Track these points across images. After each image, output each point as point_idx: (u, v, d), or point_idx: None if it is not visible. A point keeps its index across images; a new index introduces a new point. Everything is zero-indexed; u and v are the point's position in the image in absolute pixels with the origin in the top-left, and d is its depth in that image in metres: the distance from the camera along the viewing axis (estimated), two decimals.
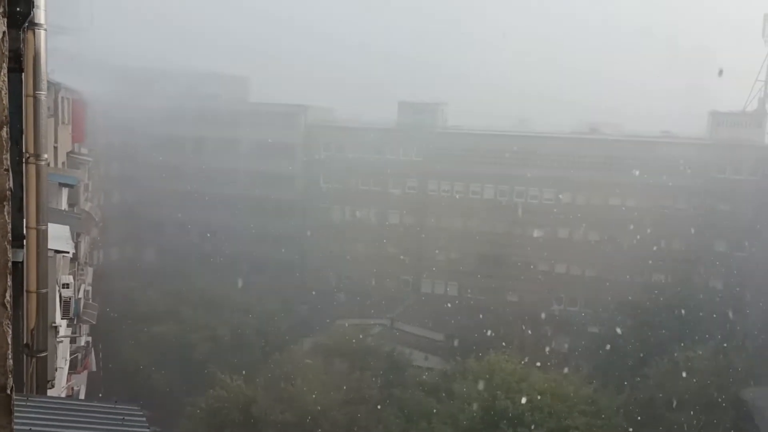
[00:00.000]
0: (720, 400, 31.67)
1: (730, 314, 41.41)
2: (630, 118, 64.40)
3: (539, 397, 28.97)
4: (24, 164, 11.54)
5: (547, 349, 43.32)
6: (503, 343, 38.76)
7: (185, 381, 41.07)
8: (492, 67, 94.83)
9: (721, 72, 46.61)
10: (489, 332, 44.49)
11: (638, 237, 50.23)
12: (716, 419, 30.76)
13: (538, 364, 33.88)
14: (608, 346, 41.84)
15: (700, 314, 40.08)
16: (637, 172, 49.84)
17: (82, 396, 29.29)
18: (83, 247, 32.89)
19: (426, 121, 59.93)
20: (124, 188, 61.82)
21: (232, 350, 43.95)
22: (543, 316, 46.53)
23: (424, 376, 39.48)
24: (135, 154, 59.84)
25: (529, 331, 45.11)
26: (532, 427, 27.60)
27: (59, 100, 31.29)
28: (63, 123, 32.50)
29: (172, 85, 61.03)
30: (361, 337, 43.48)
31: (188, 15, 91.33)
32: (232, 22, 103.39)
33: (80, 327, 32.25)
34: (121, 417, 10.13)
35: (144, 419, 10.48)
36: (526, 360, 33.27)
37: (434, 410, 32.06)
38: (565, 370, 36.02)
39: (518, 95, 76.45)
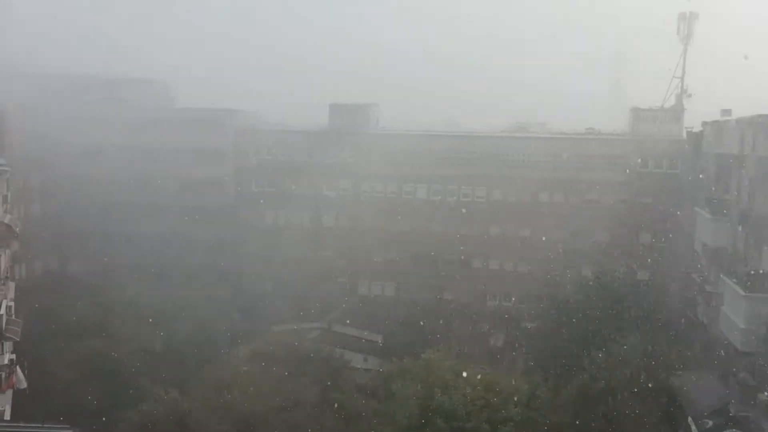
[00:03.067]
0: (651, 387, 32.70)
1: (656, 304, 42.93)
2: (555, 118, 66.40)
3: (472, 392, 29.29)
4: None
5: (484, 344, 44.01)
6: (440, 341, 39.13)
7: (116, 397, 39.71)
8: (421, 74, 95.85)
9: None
10: (427, 330, 44.85)
11: (568, 231, 51.61)
12: (648, 406, 31.73)
13: (474, 359, 34.34)
14: (543, 340, 42.76)
15: (629, 305, 41.33)
16: (563, 169, 51.24)
17: (7, 416, 28.02)
18: (3, 261, 31.51)
19: (357, 122, 59.92)
20: (46, 199, 59.39)
21: (165, 362, 42.81)
22: (478, 312, 47.21)
23: (362, 378, 39.45)
24: (56, 164, 57.55)
25: (466, 328, 45.69)
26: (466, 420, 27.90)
27: None
28: None
29: (92, 91, 59.15)
30: (298, 342, 43.11)
31: (98, 20, 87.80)
32: (140, 26, 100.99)
33: (3, 344, 30.86)
34: None
35: None
36: (463, 356, 33.65)
37: (373, 411, 32.09)
38: (501, 365, 36.62)
39: (447, 98, 77.67)
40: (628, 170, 52.64)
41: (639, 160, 53.47)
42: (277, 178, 59.86)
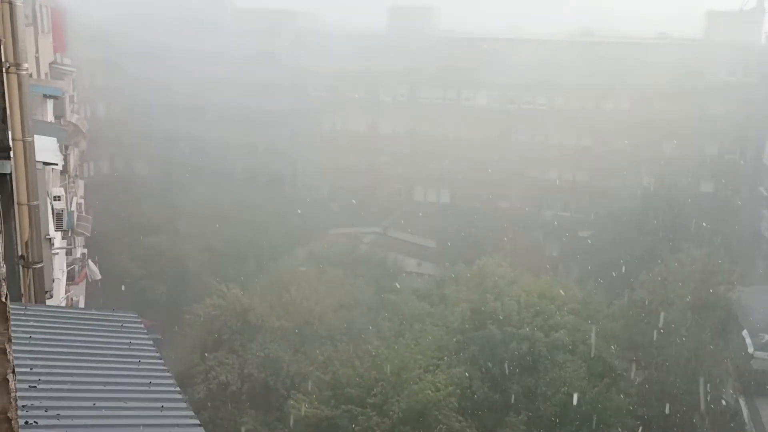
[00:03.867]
0: (708, 301, 32.46)
1: (719, 217, 41.91)
2: (625, 21, 63.13)
3: (525, 298, 29.55)
4: (4, 74, 11.21)
5: (538, 253, 44.05)
6: (494, 249, 39.31)
7: (181, 291, 41.72)
8: None
9: None
10: (480, 238, 45.05)
11: (630, 141, 50.14)
12: (704, 319, 31.60)
13: (529, 268, 34.48)
14: (598, 251, 42.53)
15: (691, 218, 40.51)
16: (629, 75, 49.21)
17: (81, 306, 29.78)
18: (72, 159, 32.65)
19: (417, 25, 58.43)
20: (111, 100, 60.69)
21: (227, 260, 44.44)
22: (534, 221, 46.98)
23: (416, 282, 40.23)
24: (119, 65, 58.35)
25: (521, 237, 45.69)
26: (518, 326, 28.32)
27: (37, 7, 30.20)
28: (43, 32, 31.49)
29: None
30: (354, 245, 43.97)
31: None
32: None
33: (75, 239, 32.45)
34: (119, 324, 10.28)
35: (142, 326, 10.64)
36: (517, 265, 33.81)
37: (426, 313, 32.85)
38: (558, 268, 36.70)
39: (508, 2, 74.35)
40: (698, 79, 50.24)
41: (711, 68, 50.90)
42: (334, 82, 59.45)
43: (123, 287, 41.83)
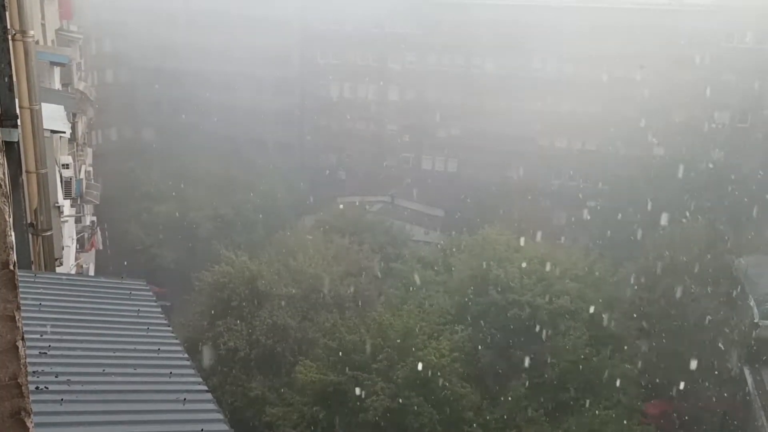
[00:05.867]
0: (713, 269, 32.49)
1: (728, 186, 41.69)
2: None
3: (528, 265, 29.63)
4: (10, 42, 11.21)
5: (546, 221, 44.00)
6: (502, 218, 39.36)
7: (190, 258, 42.07)
8: None
9: None
10: (488, 207, 45.06)
11: (641, 109, 49.67)
12: (710, 287, 31.67)
13: (535, 236, 34.50)
14: (605, 219, 42.49)
15: (699, 187, 40.34)
16: (638, 42, 48.55)
17: (91, 274, 30.09)
18: (80, 127, 32.68)
19: None
20: (118, 67, 60.50)
21: (235, 228, 44.69)
22: (542, 190, 46.86)
23: (423, 251, 40.41)
24: (126, 31, 58.06)
25: (528, 205, 45.66)
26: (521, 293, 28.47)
27: None
28: None
29: None
30: (361, 214, 44.10)
31: None
32: None
33: (84, 207, 32.65)
34: (128, 291, 10.42)
35: (150, 293, 10.79)
36: (524, 233, 33.85)
37: (432, 281, 33.09)
38: (562, 240, 36.71)
39: None
40: (711, 45, 49.55)
41: (723, 34, 50.15)
42: (342, 49, 58.99)
43: (133, 254, 42.22)
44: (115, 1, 54.82)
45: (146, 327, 9.22)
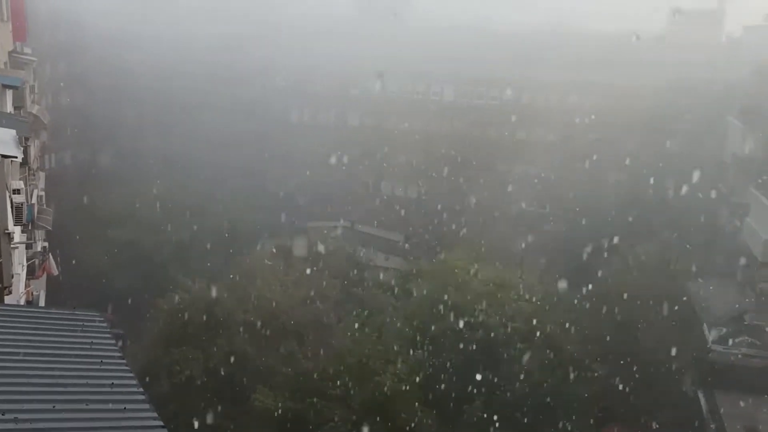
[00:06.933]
0: (667, 293, 33.09)
1: (679, 212, 42.70)
2: (594, 17, 63.63)
3: (484, 289, 29.96)
4: None
5: (504, 247, 44.42)
6: (461, 243, 39.64)
7: (146, 284, 41.22)
8: None
9: None
10: (447, 232, 45.36)
11: (596, 137, 50.76)
12: (662, 311, 32.22)
13: (493, 261, 34.84)
14: (559, 244, 43.12)
15: (652, 210, 41.31)
16: (591, 71, 49.76)
17: (42, 301, 29.31)
18: (33, 151, 32.01)
19: (385, 15, 58.28)
20: (74, 89, 59.49)
21: (192, 253, 44.01)
22: (501, 216, 47.36)
23: (382, 276, 40.41)
24: (84, 51, 57.17)
25: (487, 231, 46.08)
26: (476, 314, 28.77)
27: None
28: (2, 20, 30.76)
29: None
30: (322, 239, 43.90)
31: None
32: None
33: (35, 233, 31.86)
34: (81, 323, 10.17)
35: (104, 324, 10.54)
36: (482, 258, 34.15)
37: (391, 306, 33.13)
38: (520, 264, 37.13)
39: None
40: (659, 76, 51.01)
41: (672, 66, 51.71)
42: (304, 73, 59.04)
43: (86, 280, 41.20)
44: (70, 23, 54.06)
45: (99, 360, 8.99)
